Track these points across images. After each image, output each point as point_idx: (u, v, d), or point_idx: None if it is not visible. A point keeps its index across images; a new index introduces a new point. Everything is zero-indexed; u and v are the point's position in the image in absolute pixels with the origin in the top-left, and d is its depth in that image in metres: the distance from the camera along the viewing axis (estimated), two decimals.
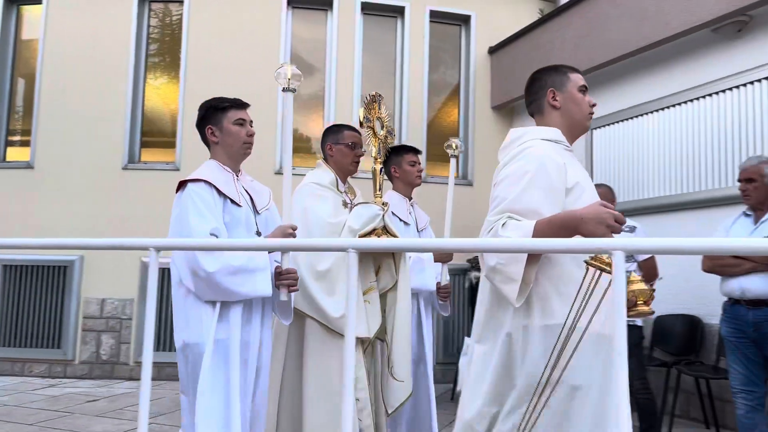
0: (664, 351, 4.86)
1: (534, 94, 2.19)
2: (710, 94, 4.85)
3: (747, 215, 3.57)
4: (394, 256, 2.91)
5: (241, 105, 2.59)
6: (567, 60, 5.94)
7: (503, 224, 1.85)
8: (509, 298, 1.85)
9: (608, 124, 5.82)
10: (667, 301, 4.94)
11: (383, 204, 2.89)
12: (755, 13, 4.46)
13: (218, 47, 6.69)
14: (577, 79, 2.14)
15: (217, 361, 2.31)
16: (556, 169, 1.95)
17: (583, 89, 2.14)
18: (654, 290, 2.02)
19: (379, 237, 2.79)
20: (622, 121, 5.68)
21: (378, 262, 2.91)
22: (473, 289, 5.97)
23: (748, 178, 3.51)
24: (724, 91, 4.74)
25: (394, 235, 2.87)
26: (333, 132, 3.13)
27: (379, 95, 3.03)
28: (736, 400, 3.48)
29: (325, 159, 3.10)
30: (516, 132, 2.16)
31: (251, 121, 2.60)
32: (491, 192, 2.04)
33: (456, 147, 3.42)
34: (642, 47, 5.20)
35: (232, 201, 2.46)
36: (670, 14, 4.93)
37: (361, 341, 2.77)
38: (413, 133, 6.97)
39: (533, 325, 1.89)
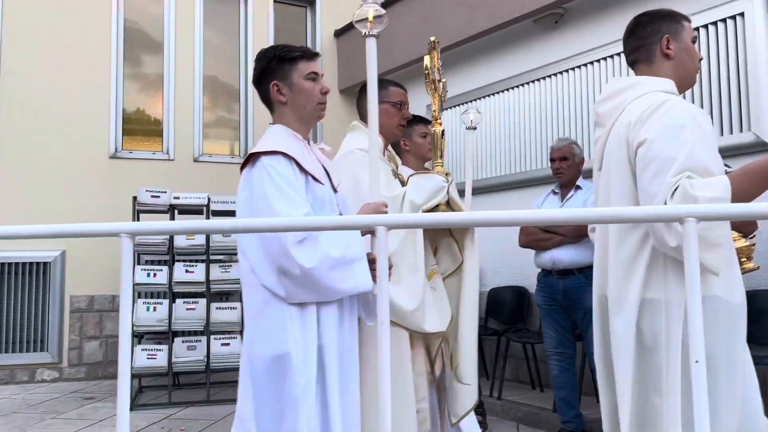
0: (497, 321, 5.22)
1: (643, 39, 1.97)
2: (532, 81, 5.22)
3: (555, 193, 3.89)
4: (452, 233, 2.51)
5: (312, 55, 2.10)
6: (408, 45, 6.12)
7: (690, 184, 1.64)
8: (711, 267, 1.66)
9: (453, 106, 6.08)
10: (501, 275, 5.30)
11: (446, 174, 2.46)
12: (569, 6, 4.84)
13: (43, 23, 6.14)
14: (690, 29, 1.98)
15: (309, 374, 1.87)
16: (707, 122, 1.81)
17: (694, 40, 2.00)
18: (754, 244, 1.99)
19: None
20: (457, 105, 5.95)
21: (435, 242, 2.53)
22: None
23: (562, 156, 3.82)
24: (544, 78, 5.12)
25: (460, 210, 2.47)
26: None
27: (437, 41, 2.54)
28: (550, 362, 3.82)
29: (363, 119, 2.54)
30: (623, 81, 1.98)
31: (323, 75, 2.14)
32: (626, 152, 1.83)
33: (472, 121, 3.09)
34: (473, 35, 5.47)
35: (314, 178, 1.98)
36: (496, 5, 5.22)
37: (422, 338, 2.37)
38: (259, 116, 6.85)
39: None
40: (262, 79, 2.09)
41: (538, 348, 4.81)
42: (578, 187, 3.80)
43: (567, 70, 4.93)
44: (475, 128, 3.16)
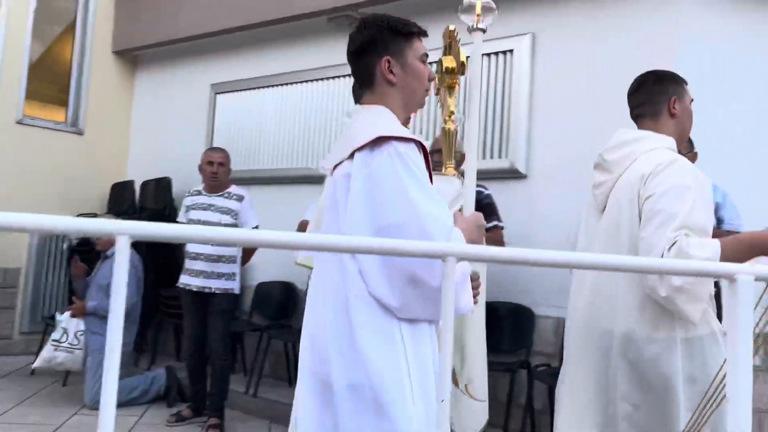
0: (262, 316, 5.13)
1: (652, 96, 2.13)
2: (322, 79, 5.22)
3: None
4: None
5: (425, 34, 1.79)
6: (200, 17, 5.73)
7: (687, 242, 1.79)
8: (691, 317, 1.83)
9: (232, 91, 5.83)
10: (269, 269, 5.22)
11: (461, 175, 2.27)
12: (363, 11, 4.92)
13: None
14: (689, 92, 2.18)
15: (420, 396, 1.55)
16: (708, 187, 1.96)
17: (692, 101, 2.19)
18: None
19: None
20: (246, 90, 5.74)
21: None
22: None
23: None
24: (334, 78, 5.14)
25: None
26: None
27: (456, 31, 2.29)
28: None
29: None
30: (631, 133, 2.12)
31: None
32: (636, 202, 1.95)
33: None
34: (269, 20, 5.30)
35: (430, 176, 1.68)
36: None
37: None
38: (9, 65, 5.90)
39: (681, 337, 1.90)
40: (368, 50, 1.72)
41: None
42: None
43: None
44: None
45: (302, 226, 3.83)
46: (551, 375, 3.60)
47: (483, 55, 4.33)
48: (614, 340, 1.97)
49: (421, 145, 1.64)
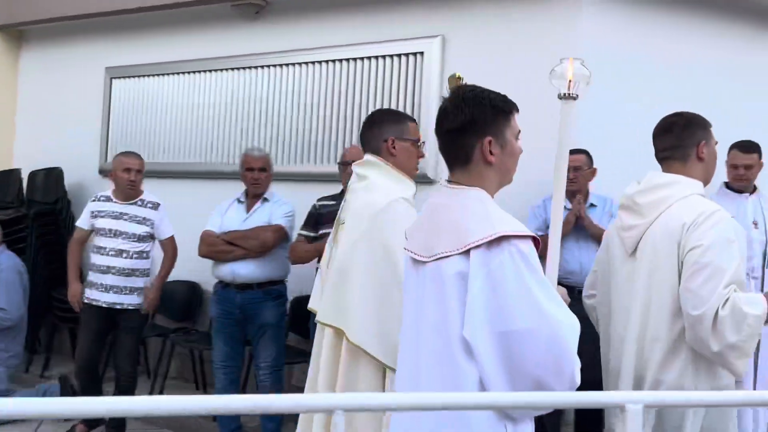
0: (166, 317, 4.93)
1: (682, 140, 2.18)
2: (225, 69, 4.98)
3: (240, 202, 3.78)
4: None
5: (518, 109, 1.74)
6: None
7: (739, 298, 1.94)
8: (737, 372, 1.99)
9: (130, 76, 5.47)
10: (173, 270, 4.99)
11: None
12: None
13: None
14: (714, 136, 2.23)
15: None
16: (744, 238, 2.11)
17: (716, 143, 2.24)
18: None
19: None
20: (145, 76, 5.40)
21: None
22: None
23: (262, 167, 3.73)
24: (237, 69, 4.92)
25: None
26: (395, 121, 2.38)
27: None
28: (216, 374, 3.73)
29: (373, 152, 2.32)
30: (663, 177, 2.18)
31: None
32: (676, 251, 2.04)
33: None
34: (170, 3, 4.98)
35: None
36: None
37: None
38: None
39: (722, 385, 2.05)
40: (469, 130, 1.65)
41: (206, 351, 4.70)
42: (266, 200, 3.74)
43: (263, 66, 4.81)
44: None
45: (208, 238, 3.67)
46: None
47: (391, 56, 4.30)
48: (643, 387, 2.08)
49: (536, 240, 1.60)
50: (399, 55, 4.28)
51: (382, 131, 2.35)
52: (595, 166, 3.58)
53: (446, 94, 2.33)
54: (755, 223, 3.61)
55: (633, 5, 3.91)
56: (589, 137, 3.75)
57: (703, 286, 1.93)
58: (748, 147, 3.66)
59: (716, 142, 2.25)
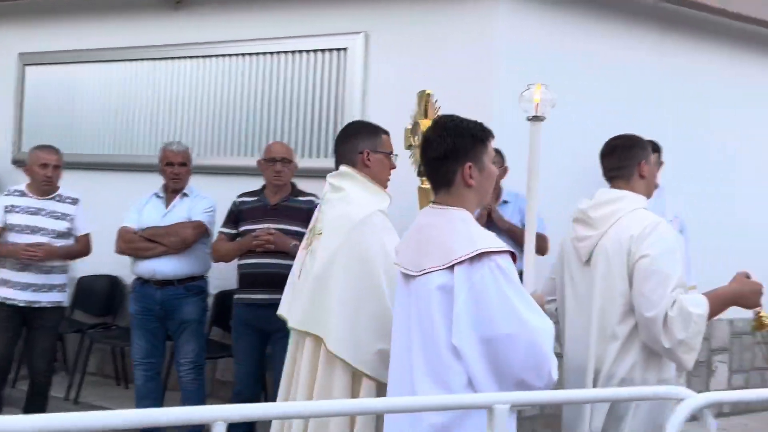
0: (85, 313, 4.83)
1: (626, 160, 2.45)
2: (147, 59, 4.88)
3: (159, 197, 3.73)
4: None
5: (493, 135, 1.97)
6: None
7: (685, 300, 2.20)
8: (686, 365, 2.24)
9: (45, 63, 5.28)
10: (91, 263, 4.88)
11: None
12: None
13: None
14: (652, 154, 2.55)
15: None
16: (681, 245, 2.38)
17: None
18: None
19: None
20: (61, 63, 5.21)
21: None
22: None
23: (182, 162, 3.69)
24: (161, 59, 4.83)
25: None
26: (370, 134, 2.50)
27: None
28: (136, 371, 3.70)
29: (349, 164, 2.41)
30: (616, 193, 2.42)
31: None
32: (626, 260, 2.28)
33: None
34: None
35: None
36: None
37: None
38: None
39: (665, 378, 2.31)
40: (451, 157, 1.87)
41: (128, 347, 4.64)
42: (185, 195, 3.71)
43: (184, 57, 4.74)
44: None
45: (126, 234, 3.61)
46: None
47: (314, 51, 4.32)
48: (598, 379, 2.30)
49: (513, 254, 1.81)
50: (322, 51, 4.30)
51: (358, 143, 2.44)
52: (506, 164, 3.72)
53: (415, 108, 2.63)
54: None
55: (548, 6, 4.07)
56: (503, 135, 3.89)
57: (653, 291, 2.20)
58: (652, 147, 3.89)
59: (663, 163, 2.74)
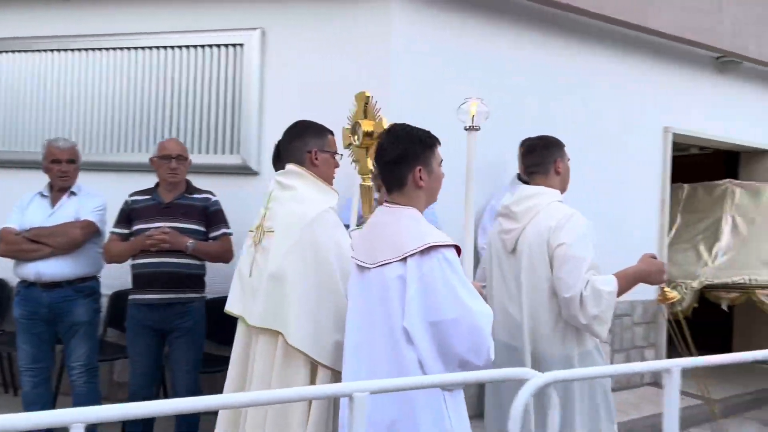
0: None
1: (543, 158, 2.76)
2: (36, 51, 4.64)
3: (44, 196, 3.58)
4: None
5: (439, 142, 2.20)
6: None
7: (596, 280, 2.48)
8: (601, 336, 2.53)
9: None
10: None
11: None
12: None
13: None
14: (567, 153, 2.82)
15: None
16: (592, 231, 2.61)
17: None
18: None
19: None
20: None
21: None
22: None
23: (70, 159, 3.54)
24: (50, 50, 4.61)
25: None
26: (317, 134, 2.62)
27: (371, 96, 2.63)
28: (23, 377, 3.55)
29: (297, 162, 2.54)
30: (534, 189, 2.73)
31: None
32: (546, 248, 2.57)
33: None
34: None
35: None
36: None
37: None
38: None
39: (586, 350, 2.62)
40: (403, 161, 2.08)
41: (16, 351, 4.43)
42: (73, 193, 3.58)
43: (75, 50, 4.54)
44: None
45: (7, 236, 3.45)
46: None
47: (210, 46, 4.28)
48: (524, 355, 2.60)
49: (458, 248, 2.02)
50: (217, 46, 4.26)
51: (306, 143, 2.56)
52: None
53: (352, 108, 2.81)
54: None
55: (442, 6, 4.21)
56: None
57: (570, 274, 2.49)
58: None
59: (569, 159, 2.83)
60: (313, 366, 2.32)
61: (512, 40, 4.52)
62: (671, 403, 1.42)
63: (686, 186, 6.12)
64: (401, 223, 2.05)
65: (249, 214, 4.02)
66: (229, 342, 4.00)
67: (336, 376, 2.28)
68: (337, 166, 2.70)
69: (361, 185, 2.70)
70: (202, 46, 4.29)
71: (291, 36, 4.22)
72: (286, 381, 2.30)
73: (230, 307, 2.58)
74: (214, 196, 3.60)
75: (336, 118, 4.00)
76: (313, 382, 2.33)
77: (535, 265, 2.59)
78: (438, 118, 4.12)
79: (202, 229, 3.49)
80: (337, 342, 2.29)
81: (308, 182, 2.49)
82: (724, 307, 5.50)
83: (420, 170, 2.08)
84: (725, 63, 5.66)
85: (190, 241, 3.38)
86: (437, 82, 4.19)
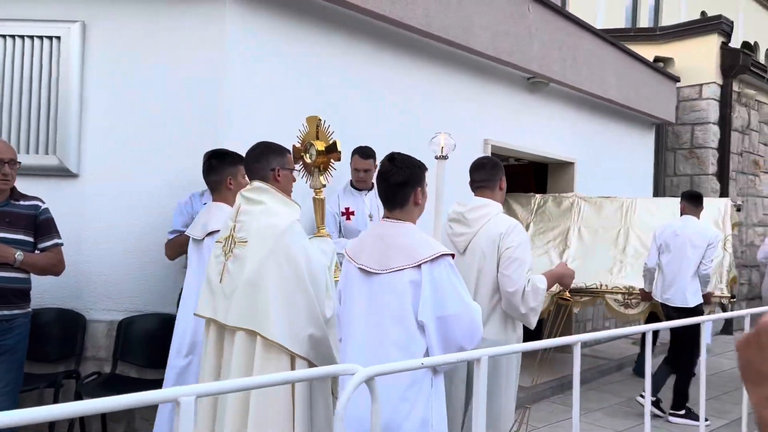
0: None
1: (491, 175, 3.25)
2: None
3: None
4: None
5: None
6: None
7: (534, 279, 3.05)
8: (533, 324, 3.09)
9: None
10: None
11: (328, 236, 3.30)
12: None
13: None
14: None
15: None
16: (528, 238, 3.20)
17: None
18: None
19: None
20: None
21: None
22: None
23: None
24: None
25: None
26: (279, 153, 2.86)
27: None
28: None
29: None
30: (484, 201, 3.21)
31: None
32: (496, 251, 3.09)
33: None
34: None
35: None
36: None
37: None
38: None
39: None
40: (408, 184, 2.52)
41: None
42: None
43: None
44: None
45: None
46: (99, 385, 3.60)
47: (22, 37, 3.93)
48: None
49: (453, 255, 2.48)
50: (32, 37, 3.92)
51: (269, 162, 2.82)
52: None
53: (303, 129, 3.36)
54: (371, 216, 4.27)
55: (274, 12, 4.22)
56: (235, 136, 3.97)
57: (514, 272, 3.01)
58: (366, 153, 4.30)
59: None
60: (291, 358, 2.62)
61: (344, 51, 4.65)
62: (479, 391, 1.56)
63: (538, 196, 6.67)
64: (409, 235, 2.49)
65: (68, 219, 3.78)
66: (45, 360, 3.73)
67: (310, 366, 2.62)
68: (294, 180, 2.95)
69: (314, 198, 3.28)
70: (14, 37, 3.91)
71: (114, 31, 4.00)
72: (267, 372, 2.54)
73: (200, 311, 2.79)
74: (43, 203, 3.31)
75: (165, 119, 3.89)
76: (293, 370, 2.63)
77: (485, 264, 3.08)
78: (270, 122, 4.15)
79: (30, 239, 3.20)
80: (311, 335, 2.63)
81: (274, 197, 2.77)
82: (576, 310, 6.11)
83: (419, 191, 2.55)
84: (535, 83, 6.30)
85: (17, 253, 3.08)
86: (270, 86, 4.20)
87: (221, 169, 3.33)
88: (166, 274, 3.92)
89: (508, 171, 3.73)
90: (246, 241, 2.67)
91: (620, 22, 14.67)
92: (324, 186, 3.30)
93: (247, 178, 2.91)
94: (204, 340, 2.81)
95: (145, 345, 3.79)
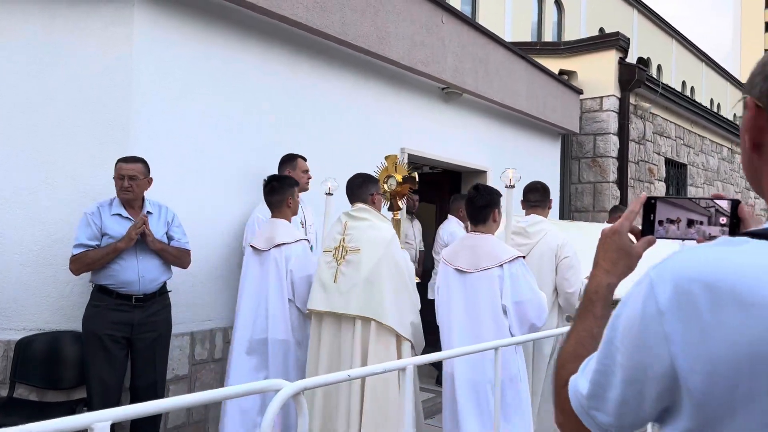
0: None
1: (544, 198, 4.16)
2: None
3: None
4: None
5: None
6: None
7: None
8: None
9: None
10: None
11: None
12: None
13: None
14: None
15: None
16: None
17: None
18: None
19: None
20: None
21: None
22: None
23: None
24: None
25: None
26: (375, 183, 3.82)
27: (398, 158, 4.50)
28: None
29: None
30: (539, 218, 4.09)
31: None
32: (554, 258, 3.93)
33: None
34: None
35: None
36: None
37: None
38: None
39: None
40: (489, 206, 3.51)
41: None
42: None
43: None
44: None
45: None
46: None
47: None
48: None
49: (523, 257, 3.37)
50: None
51: (369, 188, 3.73)
52: (151, 175, 3.64)
53: (383, 164, 4.47)
54: (302, 223, 4.24)
55: (187, 15, 4.08)
56: (146, 143, 3.80)
57: (573, 276, 3.81)
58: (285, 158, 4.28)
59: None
60: (398, 339, 3.41)
61: (261, 56, 4.56)
62: (407, 396, 1.56)
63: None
64: (491, 244, 3.39)
65: None
66: None
67: (412, 346, 3.49)
68: (383, 203, 3.93)
69: (393, 219, 4.30)
70: None
71: (12, 31, 3.73)
72: (382, 353, 3.34)
73: (315, 306, 3.54)
74: None
75: (69, 125, 3.65)
76: (399, 351, 3.43)
77: (544, 269, 3.81)
78: (183, 127, 4.00)
79: None
80: (412, 322, 3.46)
81: (374, 215, 3.63)
82: None
83: (497, 211, 3.49)
84: (449, 93, 6.43)
85: None
86: (181, 93, 4.05)
87: (282, 190, 3.82)
88: (69, 289, 3.68)
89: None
90: (359, 249, 3.48)
91: (527, 35, 15.27)
92: (401, 209, 4.38)
93: (299, 198, 3.93)
94: (314, 331, 3.54)
95: (46, 366, 3.54)
